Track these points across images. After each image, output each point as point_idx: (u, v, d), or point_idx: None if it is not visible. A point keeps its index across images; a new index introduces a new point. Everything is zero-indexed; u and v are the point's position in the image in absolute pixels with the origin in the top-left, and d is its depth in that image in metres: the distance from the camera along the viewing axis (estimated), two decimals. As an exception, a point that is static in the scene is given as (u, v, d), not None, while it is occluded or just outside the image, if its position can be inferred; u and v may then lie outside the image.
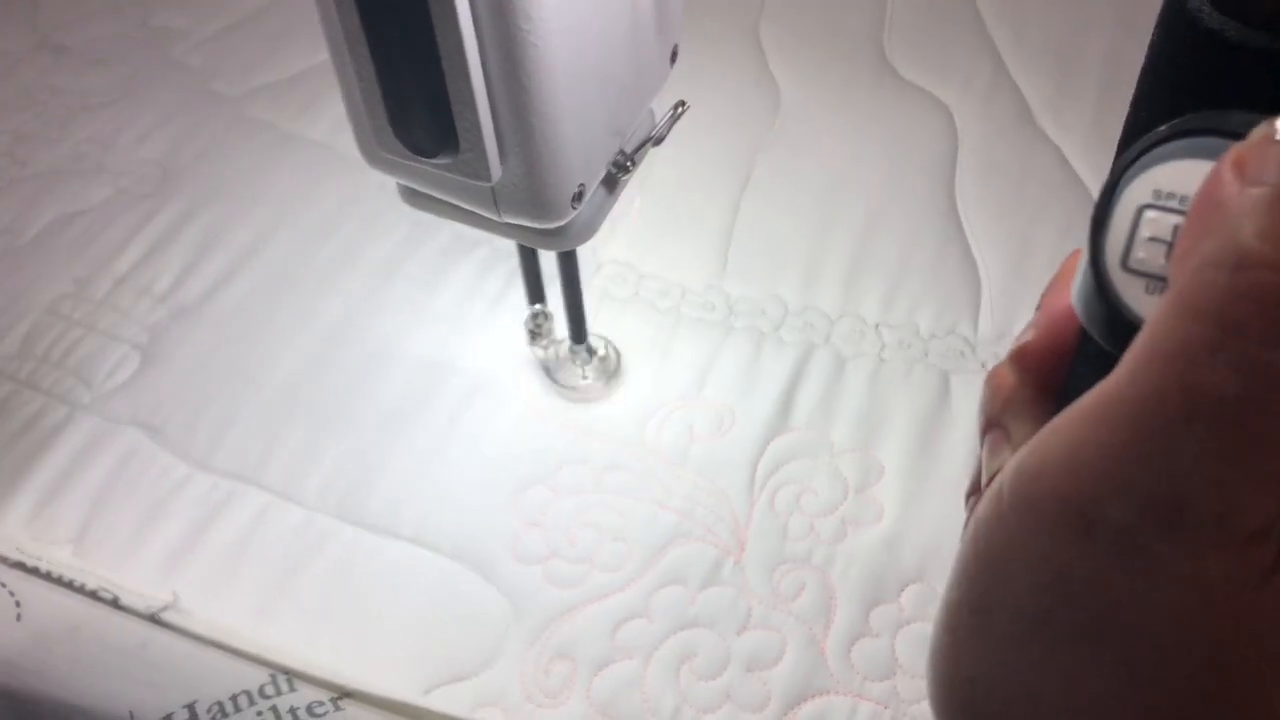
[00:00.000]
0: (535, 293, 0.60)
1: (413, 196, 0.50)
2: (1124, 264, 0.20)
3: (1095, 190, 0.74)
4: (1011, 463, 0.20)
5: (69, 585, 0.49)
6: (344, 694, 0.46)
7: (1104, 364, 0.19)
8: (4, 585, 0.48)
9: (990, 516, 0.20)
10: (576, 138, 0.44)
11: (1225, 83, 0.20)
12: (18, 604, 0.48)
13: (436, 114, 0.41)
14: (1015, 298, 0.67)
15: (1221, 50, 0.20)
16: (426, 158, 0.43)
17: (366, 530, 0.57)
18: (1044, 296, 0.25)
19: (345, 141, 0.80)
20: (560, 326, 0.62)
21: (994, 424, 0.25)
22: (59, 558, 0.54)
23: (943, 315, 0.67)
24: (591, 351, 0.62)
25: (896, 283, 0.68)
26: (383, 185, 0.76)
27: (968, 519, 0.26)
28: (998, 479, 0.20)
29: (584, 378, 0.62)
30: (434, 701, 0.50)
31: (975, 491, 0.27)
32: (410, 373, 0.64)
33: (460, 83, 0.40)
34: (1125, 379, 0.18)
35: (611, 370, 0.63)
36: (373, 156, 0.46)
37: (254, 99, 0.84)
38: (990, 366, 0.63)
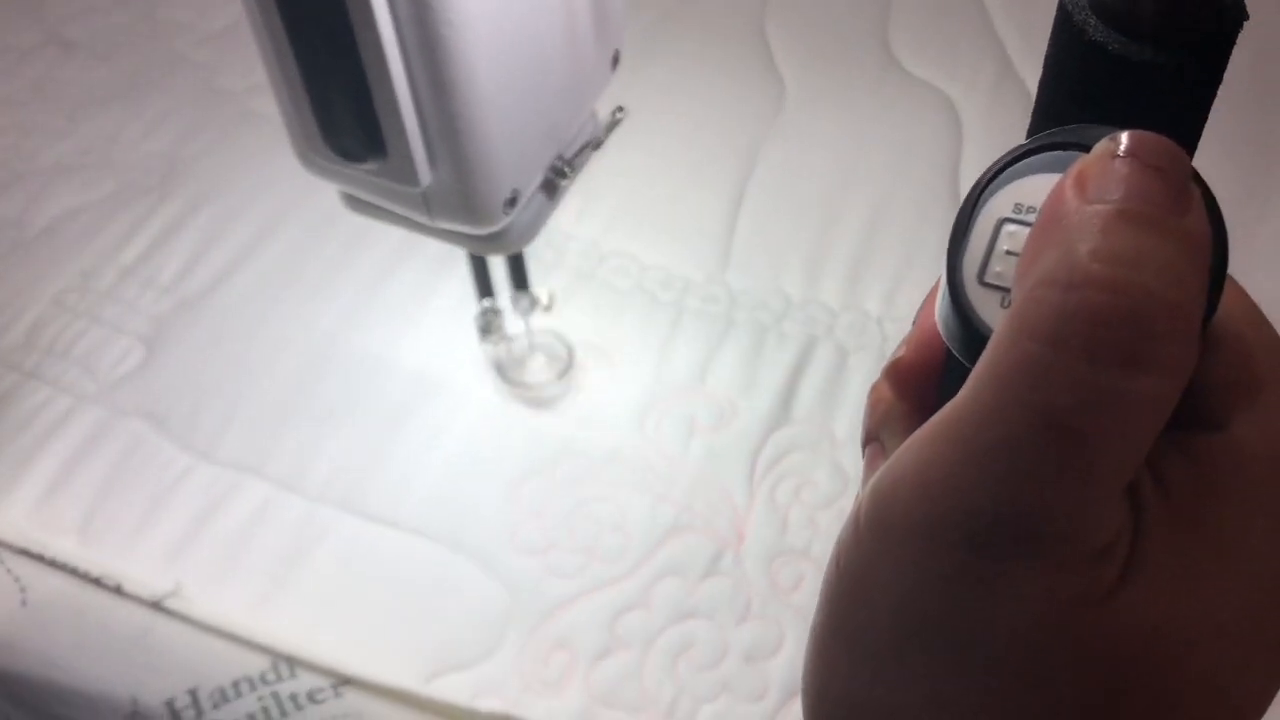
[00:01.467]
0: (484, 287, 0.59)
1: (354, 202, 0.49)
2: (980, 278, 0.20)
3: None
4: (870, 482, 0.20)
5: (74, 572, 0.50)
6: (345, 681, 0.47)
7: (965, 379, 0.19)
8: (9, 570, 0.49)
9: (849, 537, 0.20)
10: (507, 142, 0.44)
11: (1110, 95, 0.20)
12: (22, 589, 0.48)
13: (363, 119, 0.40)
14: (1017, 292, 0.67)
15: (1106, 63, 0.20)
16: (356, 163, 0.43)
17: (367, 521, 0.58)
18: (919, 311, 0.25)
19: (350, 135, 0.80)
20: (511, 323, 0.61)
21: (872, 438, 0.25)
22: (64, 546, 0.54)
23: (944, 309, 0.66)
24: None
25: (900, 277, 0.69)
26: (386, 179, 0.76)
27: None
28: (857, 498, 0.20)
29: (537, 369, 0.61)
30: (434, 691, 0.50)
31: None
32: (411, 366, 0.65)
33: (383, 88, 0.39)
34: (969, 397, 0.18)
35: (563, 368, 0.62)
36: (308, 162, 0.46)
37: (258, 93, 0.85)
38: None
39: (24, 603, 0.48)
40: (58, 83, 0.87)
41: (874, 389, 0.25)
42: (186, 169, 0.78)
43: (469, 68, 0.40)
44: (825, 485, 0.58)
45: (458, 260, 0.70)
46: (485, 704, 0.50)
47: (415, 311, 0.68)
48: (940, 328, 0.21)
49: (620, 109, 0.51)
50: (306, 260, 0.71)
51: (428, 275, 0.70)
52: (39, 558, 0.50)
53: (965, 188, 0.74)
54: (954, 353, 0.21)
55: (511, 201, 0.46)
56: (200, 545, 0.57)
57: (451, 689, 0.51)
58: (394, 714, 0.47)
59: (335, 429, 0.62)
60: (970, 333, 0.20)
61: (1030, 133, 0.22)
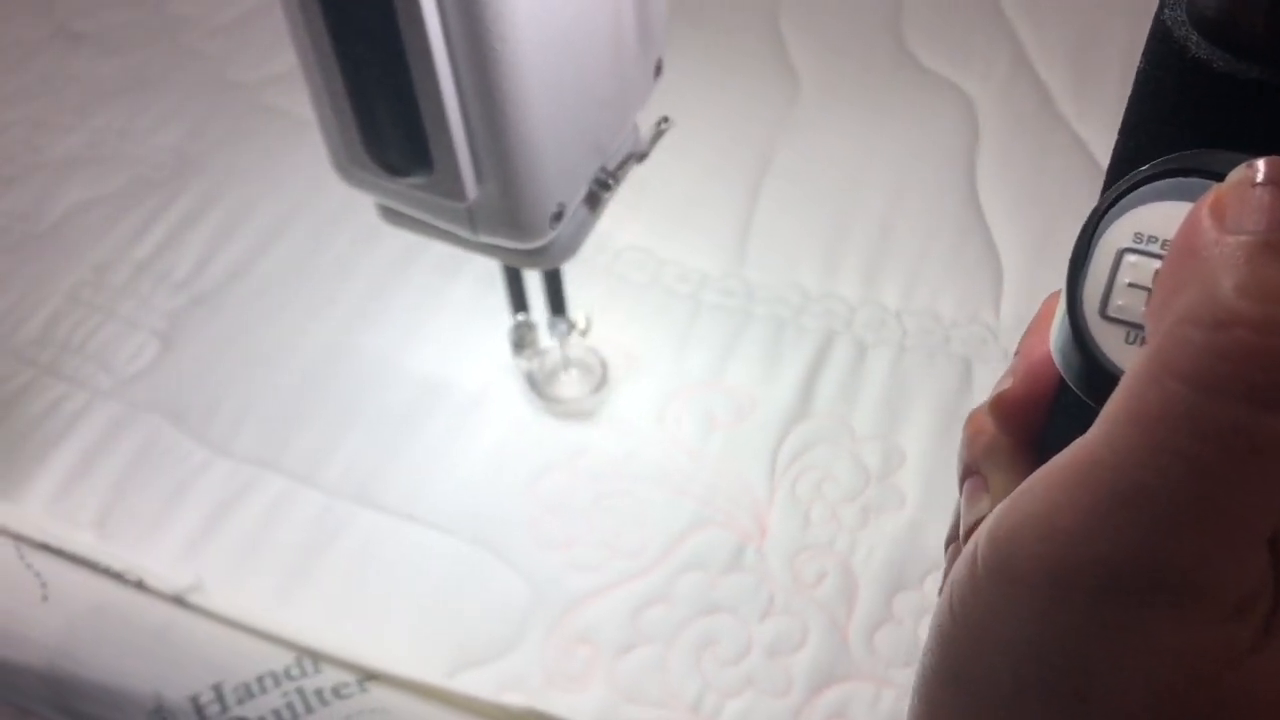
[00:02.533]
0: (518, 302, 0.58)
1: (390, 214, 0.49)
2: (1103, 311, 0.19)
3: (1116, 178, 0.73)
4: (986, 524, 0.19)
5: (94, 567, 0.49)
6: (370, 676, 0.46)
7: (1083, 416, 0.18)
8: (30, 566, 0.48)
9: (965, 580, 0.19)
10: (555, 156, 0.43)
11: (1214, 115, 0.19)
12: (44, 585, 0.48)
13: (409, 133, 0.40)
14: (1037, 285, 0.67)
15: (1209, 81, 0.18)
16: (400, 177, 0.42)
17: (386, 515, 0.57)
18: (1022, 341, 0.24)
19: (362, 128, 0.80)
20: (545, 337, 0.60)
21: (972, 471, 0.24)
22: (84, 540, 0.54)
23: (964, 302, 0.66)
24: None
25: (917, 270, 0.68)
26: (401, 172, 0.76)
27: (946, 569, 0.25)
28: (972, 539, 0.19)
29: (570, 384, 0.60)
30: (457, 686, 0.50)
31: (954, 540, 0.26)
32: (428, 359, 0.64)
33: (432, 101, 0.38)
34: (1101, 440, 0.17)
35: (598, 382, 0.61)
36: (346, 175, 0.45)
37: (269, 86, 0.84)
38: (1013, 354, 0.63)
39: (45, 598, 0.47)
40: (67, 76, 0.86)
41: (972, 420, 0.25)
42: (198, 163, 0.78)
43: (519, 81, 0.39)
44: (846, 479, 0.58)
45: (469, 256, 0.70)
46: (509, 698, 0.50)
47: (431, 304, 0.67)
48: (1058, 361, 0.20)
49: (665, 119, 0.50)
50: (322, 254, 0.71)
51: (443, 269, 0.69)
52: (59, 552, 0.50)
53: (982, 179, 0.74)
54: (1073, 388, 0.20)
55: (558, 216, 0.45)
56: (218, 540, 0.57)
57: (474, 684, 0.51)
58: (420, 709, 0.47)
59: (352, 422, 0.61)
60: (1094, 369, 0.19)
61: (1117, 155, 0.21)
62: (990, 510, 0.21)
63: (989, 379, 0.62)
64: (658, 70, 0.50)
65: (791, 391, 0.62)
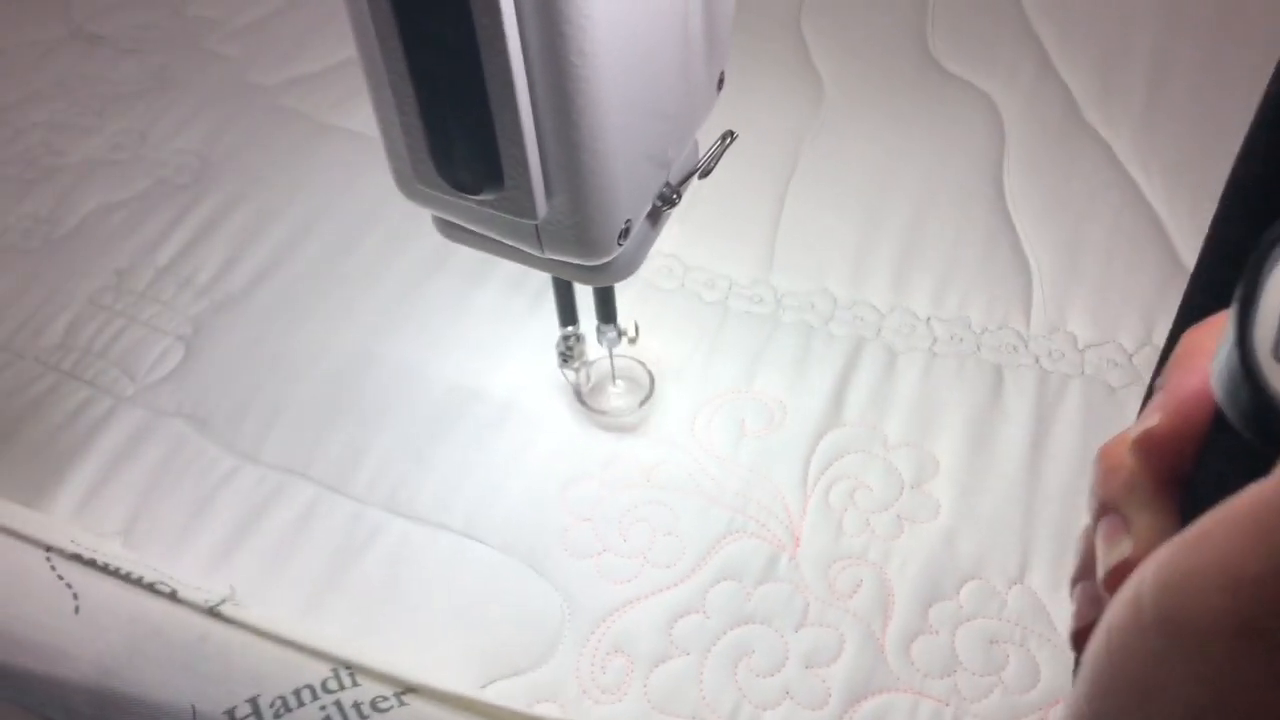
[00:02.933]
0: (568, 315, 0.58)
1: (448, 229, 0.48)
2: (1276, 352, 0.18)
3: (1144, 187, 0.73)
4: (1150, 570, 0.18)
5: (126, 578, 0.49)
6: (408, 689, 0.46)
7: (1243, 456, 0.17)
8: (61, 578, 0.48)
9: (1129, 628, 0.18)
10: (626, 171, 0.42)
11: None
12: (75, 596, 0.47)
13: (481, 150, 0.39)
14: (1066, 291, 0.66)
15: None
16: (469, 194, 0.41)
17: (416, 523, 0.57)
18: (1169, 375, 0.23)
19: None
20: (591, 348, 0.60)
21: (1110, 510, 0.23)
22: (113, 550, 0.53)
23: (994, 309, 0.66)
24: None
25: (946, 276, 0.68)
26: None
27: (1080, 610, 0.24)
28: (1134, 586, 0.18)
29: (614, 394, 0.60)
30: (490, 697, 0.49)
31: (1084, 577, 0.25)
32: (456, 364, 0.64)
33: (508, 118, 0.38)
34: None
35: (644, 394, 0.61)
36: (411, 190, 0.44)
37: (290, 89, 0.84)
38: (1043, 361, 0.63)
39: (77, 609, 0.47)
40: (85, 78, 0.86)
41: (1107, 455, 0.24)
42: (220, 166, 0.77)
43: (595, 96, 0.38)
44: (879, 489, 0.58)
45: (496, 259, 0.69)
46: (543, 710, 0.50)
47: (459, 309, 0.67)
48: (1222, 400, 0.19)
49: (731, 133, 0.50)
50: (347, 258, 0.70)
51: (471, 273, 0.69)
52: (90, 563, 0.49)
53: (1009, 186, 0.73)
54: (1240, 429, 0.19)
55: (625, 232, 0.44)
56: (247, 549, 0.56)
57: (507, 694, 0.50)
58: (459, 723, 0.46)
59: (381, 429, 0.61)
60: (1265, 409, 0.18)
61: (1236, 175, 0.20)
62: (1132, 551, 0.21)
63: (1019, 385, 0.62)
64: (720, 83, 0.50)
65: (822, 399, 0.61)
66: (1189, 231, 0.69)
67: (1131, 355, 0.63)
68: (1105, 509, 0.23)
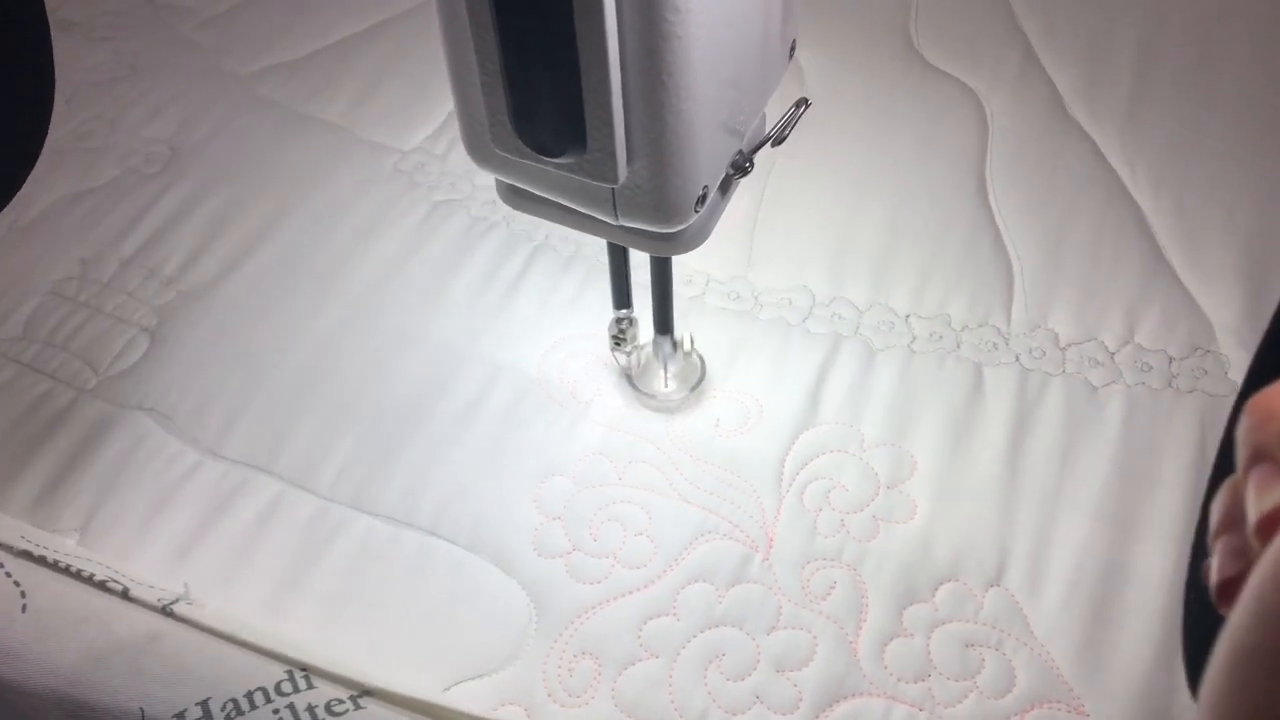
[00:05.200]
0: (623, 297, 0.57)
1: (513, 196, 0.47)
2: None
3: (1129, 183, 0.72)
4: None
5: (77, 575, 0.47)
6: (364, 692, 0.44)
7: None
8: (9, 575, 0.46)
9: None
10: (706, 138, 0.42)
11: None
12: (23, 594, 0.46)
13: (565, 112, 0.38)
14: (1048, 289, 0.65)
15: None
16: (550, 158, 0.40)
17: (382, 520, 0.56)
18: None
19: (359, 123, 0.78)
20: (644, 331, 0.59)
21: (1264, 456, 0.23)
22: (66, 546, 0.52)
23: (975, 306, 0.65)
24: (676, 345, 0.58)
25: (927, 273, 0.67)
26: (398, 167, 0.74)
27: (1221, 561, 0.24)
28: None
29: (665, 385, 0.60)
30: (453, 699, 0.48)
31: (1228, 529, 0.25)
32: (427, 359, 0.63)
33: (597, 77, 0.37)
34: None
35: (696, 378, 0.60)
36: (483, 155, 0.43)
37: (264, 79, 0.82)
38: (1024, 359, 0.61)
39: (24, 608, 0.45)
40: (55, 65, 0.84)
41: (1258, 404, 0.24)
42: (191, 155, 0.76)
43: (685, 57, 0.37)
44: (855, 489, 0.56)
45: (473, 255, 0.68)
46: (508, 713, 0.48)
47: (428, 305, 0.66)
48: None
49: (805, 100, 0.49)
50: (316, 250, 0.69)
51: (441, 269, 0.68)
52: (40, 560, 0.48)
53: (992, 181, 0.72)
54: None
55: (702, 199, 0.44)
56: (208, 546, 0.55)
57: (473, 697, 0.49)
58: (416, 727, 0.45)
59: (347, 425, 0.60)
60: None
61: None
62: None
63: (1000, 384, 0.61)
64: (792, 50, 0.49)
65: (799, 397, 0.60)
66: (1173, 228, 0.68)
67: (1113, 354, 0.62)
68: (1258, 457, 0.23)
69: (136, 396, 0.61)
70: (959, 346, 0.63)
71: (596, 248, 0.68)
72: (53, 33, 0.87)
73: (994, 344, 0.63)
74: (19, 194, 0.73)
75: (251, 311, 0.66)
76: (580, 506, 0.56)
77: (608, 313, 0.58)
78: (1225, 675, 0.20)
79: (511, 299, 0.66)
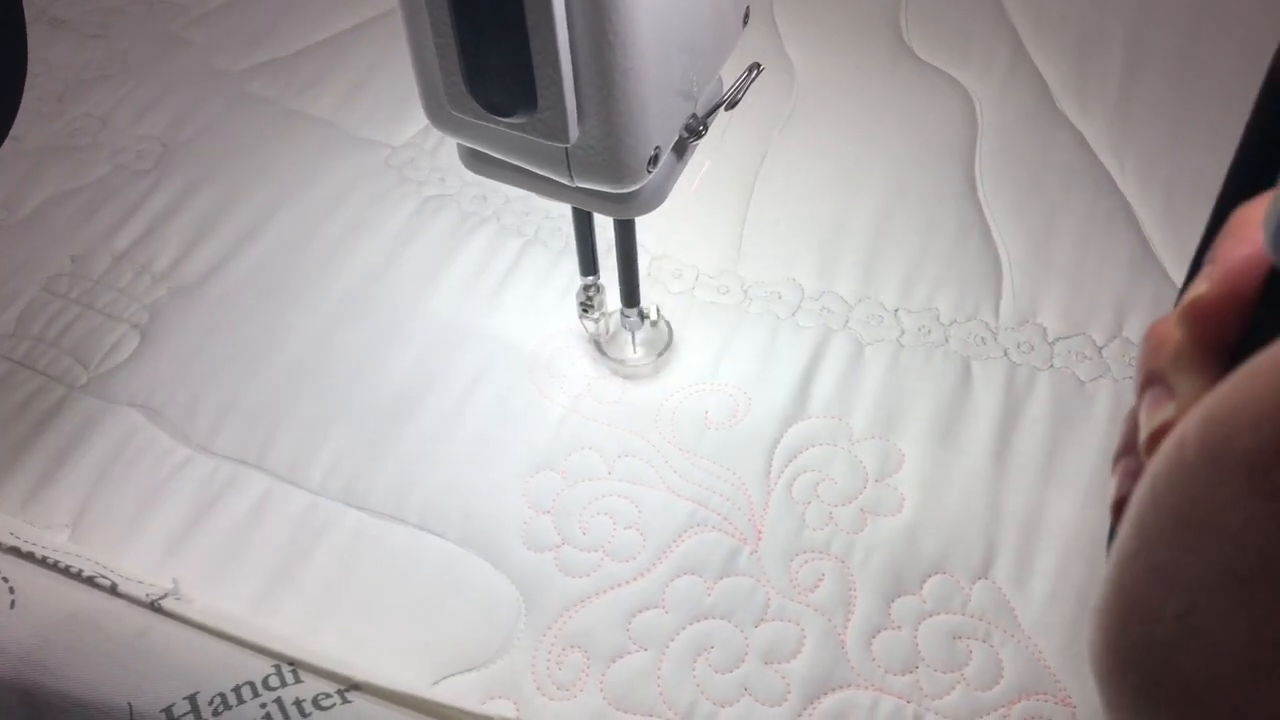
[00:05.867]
0: (589, 264, 0.58)
1: (473, 160, 0.48)
2: None
3: (1118, 177, 0.72)
4: (1198, 410, 0.19)
5: (65, 571, 0.48)
6: (351, 686, 0.45)
7: None
8: (-2, 570, 0.47)
9: (1173, 469, 0.19)
10: (656, 98, 0.43)
11: None
12: (11, 590, 0.46)
13: (516, 71, 0.40)
14: (1037, 283, 0.66)
15: None
16: (502, 117, 0.41)
17: (371, 515, 0.56)
18: (1217, 247, 0.24)
19: (349, 119, 0.78)
20: (611, 299, 0.60)
21: (1155, 380, 0.24)
22: (55, 542, 0.52)
23: (963, 301, 0.65)
24: (644, 316, 0.60)
25: (916, 267, 0.67)
26: (388, 163, 0.74)
27: (1118, 485, 0.25)
28: (1181, 426, 0.19)
29: (634, 350, 0.61)
30: (443, 692, 0.48)
31: (1127, 453, 0.26)
32: (416, 355, 0.63)
33: (543, 37, 0.38)
34: None
35: (663, 344, 0.62)
36: (439, 117, 0.45)
37: (255, 76, 0.82)
38: (1012, 354, 0.62)
39: (12, 604, 0.45)
40: (46, 62, 0.84)
41: (1155, 331, 0.24)
42: (181, 152, 0.76)
43: (631, 17, 0.39)
44: (844, 481, 0.57)
45: (462, 250, 0.68)
46: (497, 706, 0.49)
47: (418, 301, 0.66)
48: (1277, 255, 0.20)
49: (758, 65, 0.50)
50: (306, 247, 0.69)
51: (430, 266, 0.68)
52: (29, 556, 0.48)
53: (981, 176, 0.72)
54: None
55: (654, 159, 0.45)
56: (198, 541, 0.55)
57: (461, 690, 0.49)
58: (404, 720, 0.45)
59: (337, 420, 0.60)
60: None
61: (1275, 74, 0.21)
62: (1175, 415, 0.21)
63: (988, 378, 0.61)
64: (745, 18, 0.50)
65: (787, 391, 0.60)
66: (1162, 222, 0.68)
67: (1101, 348, 0.62)
68: (1150, 380, 0.24)
69: (127, 393, 0.61)
70: (947, 340, 0.63)
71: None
72: (44, 30, 0.87)
73: (982, 338, 0.63)
74: (10, 191, 0.73)
75: (242, 307, 0.66)
76: (569, 500, 0.56)
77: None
78: (1109, 585, 0.21)
79: (501, 294, 0.66)
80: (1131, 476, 0.25)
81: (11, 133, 0.78)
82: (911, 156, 0.74)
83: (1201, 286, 0.23)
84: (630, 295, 0.58)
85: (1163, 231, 0.68)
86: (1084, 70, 0.79)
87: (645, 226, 0.69)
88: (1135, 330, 0.63)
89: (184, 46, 0.85)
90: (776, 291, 0.66)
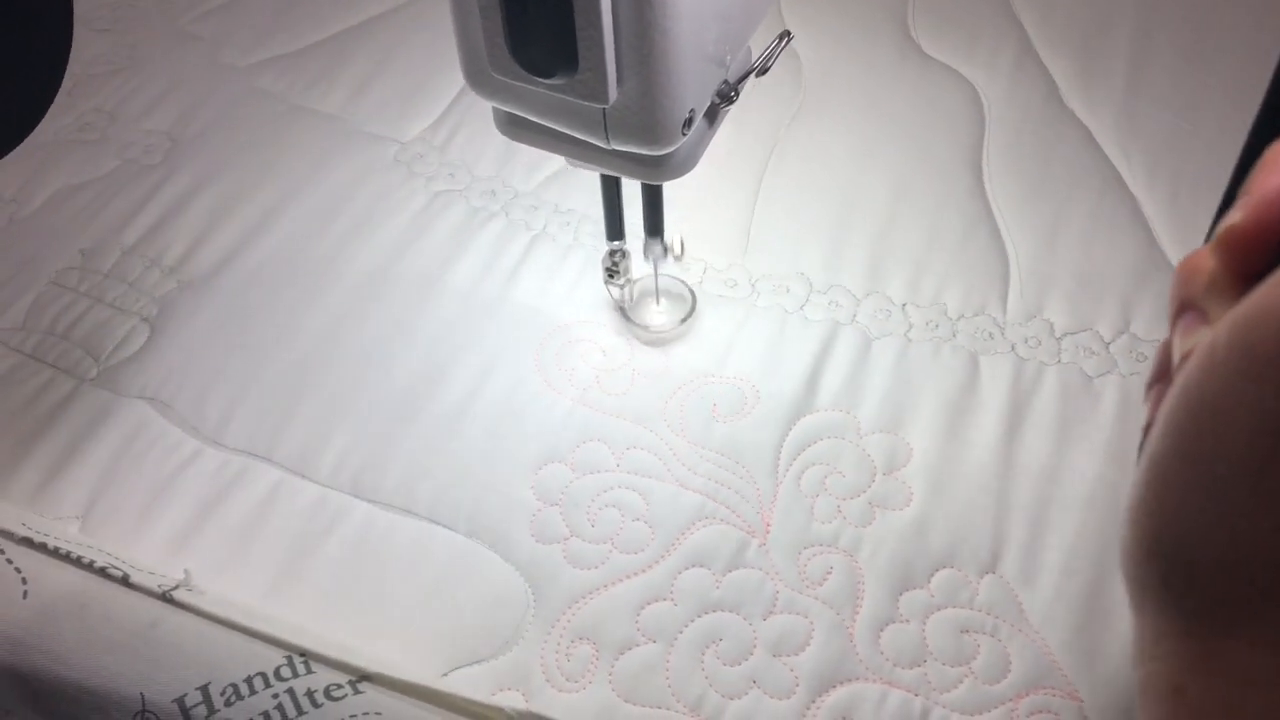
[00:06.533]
0: (615, 229, 0.59)
1: (510, 126, 0.49)
2: None
3: (1125, 173, 0.72)
4: (1228, 316, 0.20)
5: (77, 562, 0.48)
6: (363, 676, 0.45)
7: None
8: (10, 561, 0.47)
9: (1204, 368, 0.20)
10: (691, 60, 0.44)
11: None
12: (24, 580, 0.46)
13: (558, 32, 0.40)
14: (1045, 278, 0.66)
15: None
16: (543, 78, 0.42)
17: (381, 507, 0.56)
18: (1253, 180, 0.24)
19: (358, 114, 0.78)
20: (636, 266, 0.62)
21: (1189, 307, 0.25)
22: (67, 533, 0.52)
23: (971, 295, 0.65)
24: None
25: (923, 262, 0.67)
26: (397, 158, 0.75)
27: (1149, 414, 0.26)
28: (1211, 335, 0.20)
29: (659, 308, 0.63)
30: (452, 683, 0.49)
31: (1160, 379, 0.27)
32: (425, 348, 0.63)
33: None
34: None
35: (687, 310, 0.63)
36: (480, 80, 0.45)
37: (263, 70, 0.83)
38: (1019, 349, 0.62)
39: (25, 595, 0.46)
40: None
41: (1186, 263, 0.26)
42: (190, 147, 0.76)
43: None
44: (851, 475, 0.57)
45: (472, 245, 0.68)
46: (506, 697, 0.49)
47: (427, 293, 0.66)
48: None
49: (788, 33, 0.51)
50: (315, 241, 0.69)
51: (440, 258, 0.68)
52: (41, 547, 0.48)
53: (988, 171, 0.72)
54: None
55: (689, 122, 0.46)
56: (208, 534, 0.55)
57: (470, 682, 0.50)
58: (415, 712, 0.45)
59: (347, 413, 0.60)
60: None
61: None
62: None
63: (996, 373, 0.61)
64: None
65: (795, 384, 0.61)
66: (1169, 218, 0.69)
67: (1109, 344, 0.62)
68: (1184, 308, 0.25)
69: (137, 386, 0.62)
70: (955, 335, 0.63)
71: (595, 236, 0.68)
72: (52, 24, 0.87)
73: (990, 333, 0.63)
74: (19, 185, 0.73)
75: (251, 301, 0.66)
76: (578, 492, 0.56)
77: (606, 302, 0.58)
78: (1140, 483, 0.22)
79: (510, 288, 0.66)
80: (1166, 397, 0.27)
81: (20, 127, 0.78)
82: (919, 152, 0.74)
83: (1236, 215, 0.24)
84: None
85: (1170, 227, 0.68)
86: (1091, 66, 0.79)
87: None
88: (1142, 326, 0.63)
89: (192, 41, 0.85)
90: (784, 285, 0.66)
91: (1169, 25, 0.82)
